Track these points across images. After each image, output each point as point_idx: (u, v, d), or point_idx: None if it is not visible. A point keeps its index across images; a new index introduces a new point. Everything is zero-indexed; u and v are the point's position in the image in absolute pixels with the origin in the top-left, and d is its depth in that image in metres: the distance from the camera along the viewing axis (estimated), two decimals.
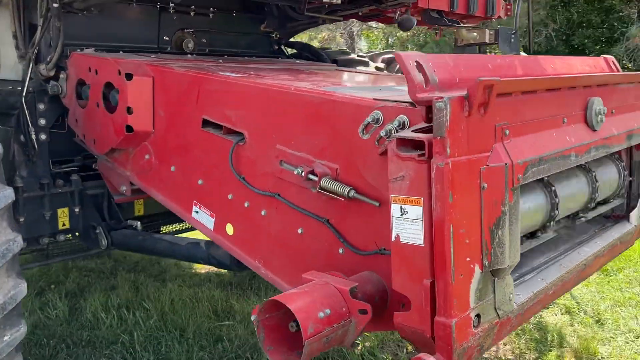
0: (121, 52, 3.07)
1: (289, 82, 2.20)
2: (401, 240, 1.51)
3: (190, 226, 3.86)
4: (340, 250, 1.93)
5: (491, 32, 4.68)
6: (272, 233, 2.16)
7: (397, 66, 4.70)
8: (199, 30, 3.49)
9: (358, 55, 4.44)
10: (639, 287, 4.11)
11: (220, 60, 3.08)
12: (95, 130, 2.78)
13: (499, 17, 4.17)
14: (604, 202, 2.32)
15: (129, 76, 2.51)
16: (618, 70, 2.61)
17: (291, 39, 4.32)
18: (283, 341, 1.72)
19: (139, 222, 3.02)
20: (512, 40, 4.79)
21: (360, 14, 3.39)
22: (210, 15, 3.48)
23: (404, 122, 1.66)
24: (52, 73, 2.94)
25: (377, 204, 1.77)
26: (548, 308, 3.75)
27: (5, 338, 2.24)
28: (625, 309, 3.76)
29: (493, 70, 1.83)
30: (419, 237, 1.47)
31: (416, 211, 1.46)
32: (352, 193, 1.82)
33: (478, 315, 1.52)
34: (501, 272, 1.57)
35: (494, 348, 3.30)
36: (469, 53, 5.05)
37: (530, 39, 4.61)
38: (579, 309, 3.78)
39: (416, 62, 1.54)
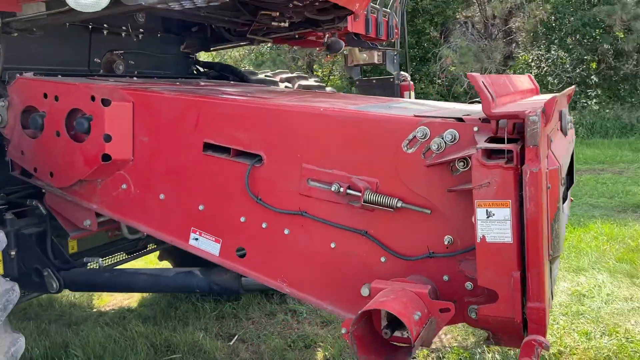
0: (59, 76, 2.82)
1: (309, 103, 2.27)
2: (487, 240, 1.69)
3: (122, 259, 3.61)
4: (383, 259, 2.05)
5: (379, 54, 5.11)
6: (298, 251, 2.19)
7: (297, 83, 4.90)
8: (127, 52, 3.32)
9: (266, 76, 4.52)
10: None
11: (178, 82, 2.97)
12: (54, 162, 2.51)
13: (394, 39, 4.59)
14: None
15: (106, 102, 2.35)
16: (535, 84, 3.10)
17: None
18: (370, 349, 1.80)
19: (100, 259, 2.78)
20: (395, 60, 5.31)
21: (296, 36, 3.52)
22: (140, 36, 3.33)
23: (454, 136, 1.86)
24: None
25: (429, 211, 1.94)
26: None
27: None
28: None
29: (505, 86, 2.11)
30: (507, 236, 1.67)
31: (504, 213, 1.66)
32: (399, 204, 1.97)
33: (550, 298, 1.77)
34: (555, 260, 1.85)
35: (438, 338, 3.63)
36: (355, 73, 5.45)
37: (406, 59, 5.13)
38: None
39: (483, 82, 1.74)
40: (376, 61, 5.06)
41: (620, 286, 4.25)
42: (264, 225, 2.23)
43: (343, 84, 15.77)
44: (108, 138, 2.36)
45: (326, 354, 3.48)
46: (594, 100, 15.19)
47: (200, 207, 2.34)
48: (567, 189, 2.99)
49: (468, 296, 1.90)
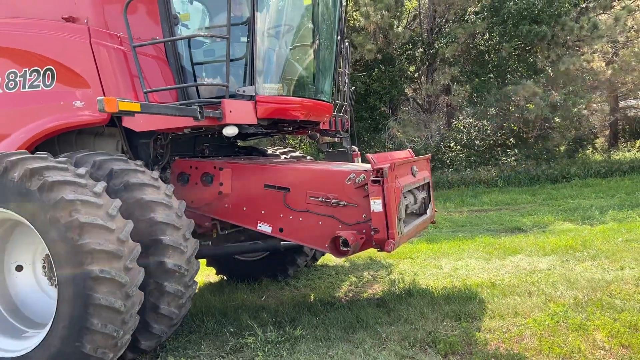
0: (187, 157, 5.98)
1: (307, 166, 5.51)
2: (375, 211, 4.88)
3: None
4: (340, 226, 5.20)
5: (338, 137, 8.42)
6: (306, 227, 5.30)
7: (290, 154, 8.13)
8: (210, 145, 6.53)
9: (272, 151, 7.77)
10: (432, 261, 7.96)
11: (242, 158, 6.17)
12: (194, 196, 5.65)
13: (347, 128, 7.90)
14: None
15: (220, 168, 5.54)
16: (412, 155, 6.41)
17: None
18: (336, 252, 4.95)
19: (209, 242, 5.89)
20: (348, 140, 8.63)
21: (293, 132, 6.82)
22: (217, 135, 6.54)
23: (364, 176, 5.10)
24: (159, 171, 5.73)
25: (356, 205, 5.13)
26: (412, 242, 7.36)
27: (193, 289, 5.01)
28: (426, 269, 7.53)
29: (385, 157, 5.37)
30: (380, 208, 4.85)
31: (379, 200, 4.86)
32: (344, 203, 5.16)
33: (399, 231, 4.96)
34: (401, 219, 5.05)
35: (372, 289, 6.76)
36: (324, 147, 8.74)
37: (355, 139, 8.45)
38: (404, 272, 7.42)
39: (372, 157, 4.99)
40: (337, 141, 8.35)
41: (479, 265, 7.49)
42: (290, 217, 5.36)
43: (311, 149, 19.17)
44: (221, 184, 5.53)
45: (315, 298, 6.57)
46: (512, 158, 18.97)
47: (262, 212, 5.48)
48: (429, 200, 6.25)
49: (373, 236, 5.07)
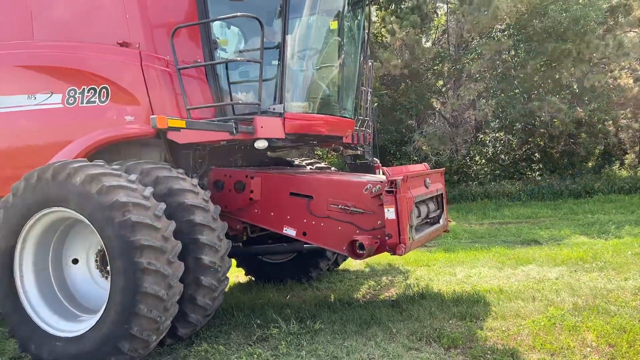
0: (222, 167, 6.63)
1: (329, 176, 6.10)
2: (388, 218, 5.44)
3: None
4: (357, 231, 5.77)
5: (361, 149, 9.00)
6: (326, 231, 5.89)
7: (315, 165, 8.75)
8: (243, 156, 7.18)
9: (299, 162, 8.39)
10: (447, 269, 8.45)
11: (272, 168, 6.81)
12: (228, 201, 6.29)
13: (369, 141, 8.48)
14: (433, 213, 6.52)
15: (251, 177, 6.17)
16: (427, 168, 6.94)
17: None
18: (354, 255, 5.51)
19: (240, 244, 6.51)
20: (370, 152, 9.21)
21: (319, 146, 7.41)
22: (248, 147, 7.19)
23: (379, 186, 5.67)
24: (198, 179, 6.39)
25: (372, 213, 5.70)
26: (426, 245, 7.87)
27: (225, 284, 5.63)
28: (441, 276, 8.03)
29: (400, 170, 5.93)
30: (393, 216, 5.41)
31: (392, 209, 5.42)
32: (362, 210, 5.73)
33: (410, 237, 5.50)
34: (413, 226, 5.59)
35: (391, 292, 7.29)
36: (348, 159, 9.33)
37: (377, 152, 9.03)
38: (419, 278, 7.93)
39: (387, 170, 5.56)
40: (359, 153, 8.93)
41: (491, 273, 7.95)
42: (313, 222, 5.95)
43: (338, 160, 19.79)
44: (251, 192, 6.16)
45: (334, 298, 7.13)
46: (537, 173, 19.24)
47: (288, 217, 6.08)
48: (442, 210, 6.77)
49: (386, 241, 5.62)
